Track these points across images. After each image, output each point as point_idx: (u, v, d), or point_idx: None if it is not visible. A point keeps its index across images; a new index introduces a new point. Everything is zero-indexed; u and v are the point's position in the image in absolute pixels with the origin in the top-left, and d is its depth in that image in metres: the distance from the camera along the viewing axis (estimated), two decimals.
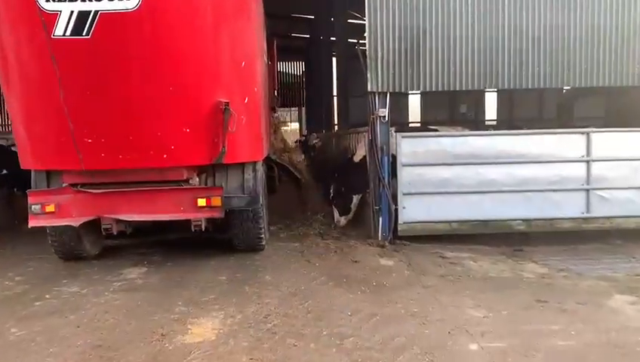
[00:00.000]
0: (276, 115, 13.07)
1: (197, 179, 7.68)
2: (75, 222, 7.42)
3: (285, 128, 45.34)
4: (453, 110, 35.28)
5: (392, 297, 6.14)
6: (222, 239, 8.61)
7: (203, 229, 7.64)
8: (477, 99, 32.45)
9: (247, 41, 7.43)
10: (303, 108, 36.67)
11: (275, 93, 12.80)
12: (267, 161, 10.22)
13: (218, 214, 7.41)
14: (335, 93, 20.45)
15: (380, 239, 8.63)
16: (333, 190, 9.74)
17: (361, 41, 8.68)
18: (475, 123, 30.62)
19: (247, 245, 8.26)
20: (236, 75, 7.31)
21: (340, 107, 16.41)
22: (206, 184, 7.84)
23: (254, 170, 7.69)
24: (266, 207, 9.37)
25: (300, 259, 7.78)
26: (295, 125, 44.83)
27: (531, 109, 34.19)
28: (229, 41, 7.12)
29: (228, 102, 6.83)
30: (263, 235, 8.28)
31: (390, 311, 5.71)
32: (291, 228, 9.83)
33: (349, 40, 20.76)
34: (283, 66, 36.08)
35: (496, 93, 35.14)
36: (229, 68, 7.15)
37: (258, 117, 7.94)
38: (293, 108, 42.38)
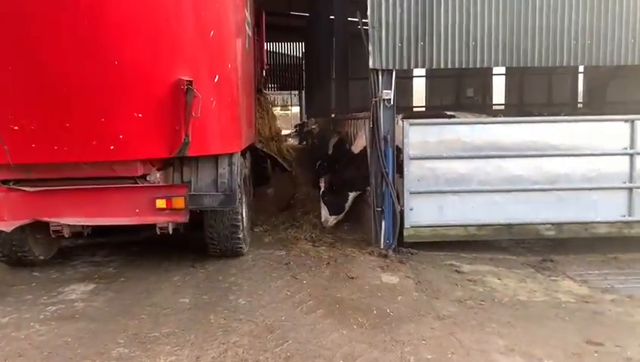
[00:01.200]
0: (265, 97, 11.47)
1: (157, 174, 6.20)
2: (7, 226, 5.97)
3: (286, 112, 44.00)
4: (460, 94, 33.66)
5: (398, 334, 4.67)
6: (197, 241, 7.20)
7: (170, 232, 6.24)
8: (484, 82, 30.81)
9: (218, 4, 5.89)
10: (304, 92, 35.03)
11: (264, 73, 11.27)
12: (253, 150, 8.73)
13: (181, 218, 6.00)
14: (334, 75, 18.81)
15: (382, 247, 7.15)
16: (324, 184, 8.19)
17: (363, 19, 7.08)
18: (483, 108, 29.03)
19: (224, 250, 6.90)
20: (202, 47, 5.86)
21: (338, 91, 14.85)
22: (172, 180, 6.40)
23: (230, 164, 6.35)
24: (248, 204, 7.91)
25: (284, 274, 6.30)
26: (296, 109, 43.31)
27: (541, 94, 32.59)
28: (193, 4, 5.59)
29: (191, 81, 5.44)
30: (242, 239, 6.89)
31: (395, 359, 4.24)
32: (278, 230, 8.33)
33: (349, 18, 19.16)
34: (282, 47, 34.43)
35: (504, 77, 33.49)
36: (192, 38, 5.70)
37: (234, 99, 6.44)
38: (294, 92, 40.84)
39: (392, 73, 7.05)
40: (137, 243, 7.82)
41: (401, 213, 7.16)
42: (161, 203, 5.90)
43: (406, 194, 7.20)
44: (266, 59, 11.96)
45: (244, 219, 7.48)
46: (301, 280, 6.06)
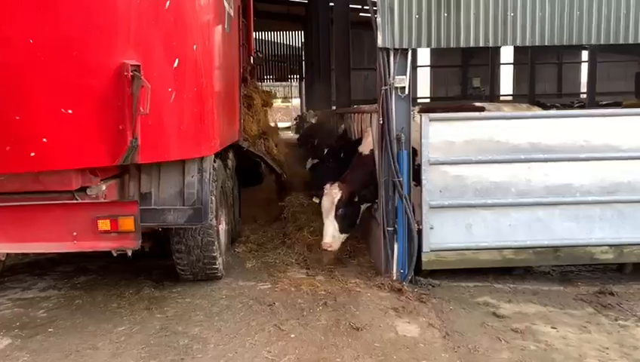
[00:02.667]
0: (255, 87, 9.73)
1: (103, 187, 4.66)
2: None
3: (287, 104, 42.28)
4: (466, 85, 31.89)
5: None
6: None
7: (129, 255, 4.73)
8: (491, 73, 29.02)
9: None
10: (304, 83, 33.27)
11: (251, 60, 9.52)
12: (239, 150, 7.05)
13: (130, 243, 4.52)
14: (334, 65, 17.08)
15: (394, 277, 5.47)
16: (340, 192, 6.40)
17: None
18: (490, 98, 27.28)
19: (196, 274, 5.55)
20: (155, 21, 4.48)
21: (339, 82, 13.16)
22: (127, 193, 4.95)
23: (200, 170, 4.97)
24: (230, 216, 6.34)
25: (266, 322, 4.62)
26: (297, 101, 41.54)
27: (550, 84, 30.81)
28: None
29: (138, 66, 4.17)
30: (218, 262, 5.49)
31: None
32: (265, 250, 6.66)
33: (351, 5, 17.38)
34: (281, 37, 32.62)
35: (512, 67, 31.67)
36: (139, 9, 4.34)
37: (203, 91, 4.89)
38: (294, 83, 39.06)
39: (406, 54, 5.34)
40: (89, 270, 6.16)
41: (419, 232, 5.48)
42: (104, 224, 4.44)
43: (425, 209, 5.51)
44: (254, 46, 10.23)
45: (222, 237, 5.91)
46: (288, 333, 4.39)
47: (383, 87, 5.33)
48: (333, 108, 15.27)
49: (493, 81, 28.53)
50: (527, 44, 5.54)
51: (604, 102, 19.98)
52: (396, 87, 5.34)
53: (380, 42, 5.24)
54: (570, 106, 21.50)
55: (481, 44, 5.49)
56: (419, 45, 5.32)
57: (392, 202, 5.48)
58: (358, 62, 24.90)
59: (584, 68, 31.46)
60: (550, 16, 5.32)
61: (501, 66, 30.65)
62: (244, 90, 7.98)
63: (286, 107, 43.56)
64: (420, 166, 5.55)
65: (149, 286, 5.58)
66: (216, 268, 5.50)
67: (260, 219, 8.29)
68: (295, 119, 29.50)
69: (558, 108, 15.23)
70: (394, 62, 5.31)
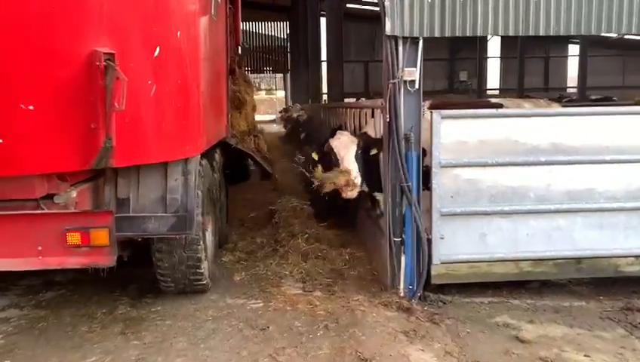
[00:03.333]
0: (244, 79, 9.04)
1: (73, 194, 4.09)
2: None
3: (271, 96, 41.42)
4: (453, 78, 31.36)
5: None
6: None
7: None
8: (478, 66, 28.58)
9: None
10: (289, 75, 32.51)
11: (238, 50, 8.84)
12: (225, 147, 6.41)
13: (105, 259, 3.95)
14: (325, 58, 16.38)
15: (401, 294, 4.87)
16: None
17: None
18: (478, 92, 26.85)
19: (180, 288, 4.96)
20: (132, 4, 3.95)
21: (331, 74, 12.51)
22: (103, 200, 4.32)
23: (185, 173, 4.40)
24: (216, 223, 5.69)
25: (259, 351, 3.97)
26: (282, 93, 40.75)
27: (537, 78, 30.42)
28: None
29: (112, 55, 3.66)
30: (203, 273, 4.88)
31: None
32: (255, 259, 6.00)
33: None
34: (264, 27, 31.75)
35: (499, 60, 31.25)
36: None
37: (188, 83, 4.37)
38: (278, 75, 38.25)
39: (417, 43, 4.70)
40: (58, 284, 5.46)
41: (429, 243, 4.88)
42: (73, 237, 3.88)
43: (435, 217, 4.90)
44: (241, 36, 9.52)
45: (210, 246, 5.27)
46: None
47: (391, 81, 4.69)
48: (323, 101, 14.62)
49: (480, 74, 28.09)
50: (552, 34, 4.95)
51: (593, 97, 19.54)
52: (405, 81, 4.71)
53: (388, 30, 4.60)
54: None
55: (501, 33, 4.90)
56: (431, 33, 4.68)
57: (399, 209, 4.86)
58: (346, 55, 24.24)
59: (571, 62, 31.26)
60: (577, 2, 4.73)
61: (488, 60, 30.24)
62: (231, 82, 7.30)
63: (270, 99, 42.76)
64: (429, 169, 4.94)
65: (124, 303, 4.91)
66: (203, 281, 4.92)
67: (248, 222, 7.63)
68: (280, 112, 28.79)
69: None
70: (403, 53, 4.67)
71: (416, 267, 4.87)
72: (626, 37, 28.34)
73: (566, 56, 30.86)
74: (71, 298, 5.11)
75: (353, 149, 5.29)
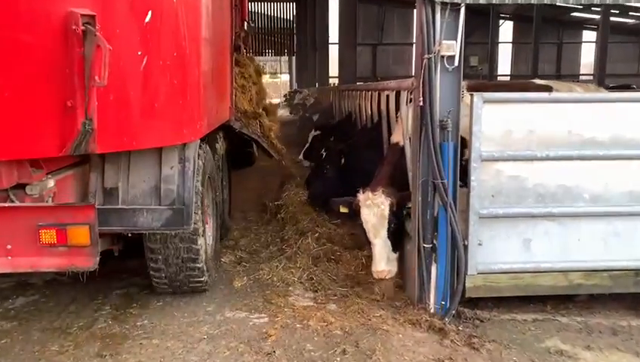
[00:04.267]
0: (249, 59, 8.22)
1: (50, 183, 3.50)
2: None
3: (275, 80, 40.56)
4: (462, 63, 30.15)
5: None
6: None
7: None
8: (490, 51, 27.56)
9: None
10: (294, 58, 31.55)
11: (245, 26, 8.03)
12: (229, 130, 5.79)
13: (85, 261, 3.36)
14: (337, 40, 15.49)
15: (431, 310, 4.10)
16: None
17: None
18: (489, 78, 25.89)
19: (176, 288, 4.43)
20: None
21: (343, 56, 11.66)
22: (87, 189, 3.80)
23: (182, 160, 3.88)
24: (216, 216, 4.99)
25: None
26: (286, 77, 39.78)
27: (550, 65, 29.43)
28: None
29: (92, 17, 3.06)
30: (202, 272, 4.32)
31: None
32: (258, 261, 5.22)
33: None
34: (270, 8, 30.66)
35: (511, 46, 30.23)
36: None
37: (183, 56, 3.70)
38: (283, 58, 37.24)
39: (459, 10, 3.87)
40: (31, 287, 4.71)
41: (465, 250, 4.09)
42: (48, 235, 3.31)
43: (472, 219, 4.11)
44: (247, 11, 8.69)
45: (210, 242, 4.77)
46: None
47: (425, 56, 3.87)
48: (332, 85, 13.76)
49: (491, 59, 27.11)
50: (608, 2, 4.13)
51: (612, 85, 18.59)
52: (443, 56, 3.89)
53: None
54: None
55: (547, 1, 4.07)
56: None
57: (431, 210, 4.07)
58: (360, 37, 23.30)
59: (585, 48, 30.24)
60: None
61: (499, 45, 29.22)
62: (236, 59, 6.52)
63: (275, 83, 41.84)
64: (466, 162, 4.15)
65: (106, 315, 4.17)
66: (201, 279, 4.35)
67: (251, 215, 6.86)
68: (285, 96, 27.96)
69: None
70: (441, 22, 3.85)
71: (449, 279, 4.09)
72: None
73: (580, 43, 29.82)
74: (44, 306, 4.36)
75: (384, 228, 4.42)
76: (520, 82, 6.70)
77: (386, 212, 4.41)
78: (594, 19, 27.68)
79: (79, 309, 4.27)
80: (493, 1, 3.95)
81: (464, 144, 4.19)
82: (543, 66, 28.40)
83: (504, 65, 29.73)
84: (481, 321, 4.10)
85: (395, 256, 4.56)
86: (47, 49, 3.00)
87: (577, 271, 4.28)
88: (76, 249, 3.31)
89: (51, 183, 3.47)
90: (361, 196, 4.56)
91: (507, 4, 3.81)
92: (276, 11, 30.94)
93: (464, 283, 4.09)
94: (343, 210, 4.68)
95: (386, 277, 4.46)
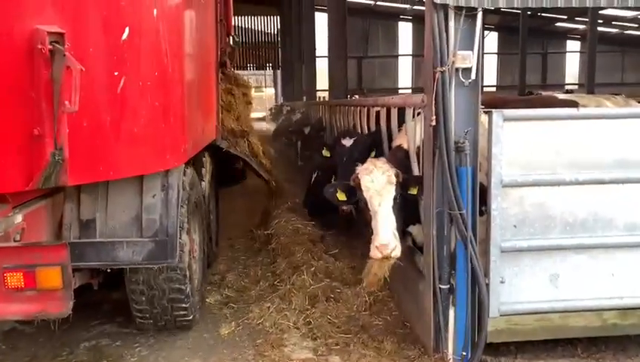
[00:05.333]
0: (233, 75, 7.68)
1: (18, 218, 3.13)
2: None
3: (260, 94, 40.08)
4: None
5: None
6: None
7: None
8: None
9: None
10: (279, 72, 31.08)
11: (230, 41, 7.56)
12: (216, 149, 5.57)
13: (57, 306, 3.02)
14: (325, 53, 15.03)
15: (451, 360, 3.52)
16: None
17: None
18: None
19: (159, 324, 4.03)
20: None
21: (333, 69, 11.22)
22: (60, 223, 3.52)
23: (165, 188, 3.60)
24: (202, 244, 4.65)
25: None
26: (271, 90, 39.31)
27: (535, 75, 29.27)
28: None
29: (61, 35, 2.74)
30: (188, 308, 3.95)
31: None
32: (247, 302, 4.60)
33: None
34: (253, 22, 30.21)
35: (496, 57, 30.06)
36: None
37: (165, 75, 3.44)
38: (267, 72, 36.78)
39: (475, 16, 3.35)
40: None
41: (486, 288, 3.53)
42: (15, 278, 2.98)
43: (493, 253, 3.56)
44: (231, 25, 8.22)
45: (196, 274, 4.37)
46: None
47: (438, 69, 3.33)
48: (318, 99, 13.26)
49: (478, 72, 26.86)
50: (630, 5, 3.66)
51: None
52: (457, 69, 3.36)
53: None
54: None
55: (575, 4, 3.57)
56: (495, 3, 3.34)
57: (447, 246, 3.51)
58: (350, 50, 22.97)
59: (570, 58, 30.18)
60: None
61: (485, 56, 29.05)
62: (222, 76, 6.05)
63: (259, 97, 41.35)
64: (483, 188, 3.60)
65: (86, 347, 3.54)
66: (188, 316, 4.01)
67: (239, 244, 6.26)
68: (270, 110, 27.47)
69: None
70: (456, 30, 3.33)
71: (470, 324, 3.52)
72: (626, 32, 27.34)
73: (564, 52, 29.75)
74: (7, 356, 3.71)
75: (390, 196, 3.72)
76: (542, 97, 6.22)
77: (393, 179, 3.76)
78: (577, 29, 27.64)
79: None
80: (515, 4, 3.43)
81: (480, 168, 3.66)
82: (529, 77, 28.27)
83: (489, 77, 29.51)
84: None
85: (399, 249, 3.70)
86: (9, 71, 2.70)
87: (612, 309, 3.75)
88: (47, 293, 2.98)
89: (19, 218, 3.10)
90: (361, 167, 3.92)
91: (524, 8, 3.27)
92: (260, 25, 30.50)
93: (480, 321, 3.54)
94: (341, 196, 4.00)
95: (391, 255, 3.61)
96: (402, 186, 3.81)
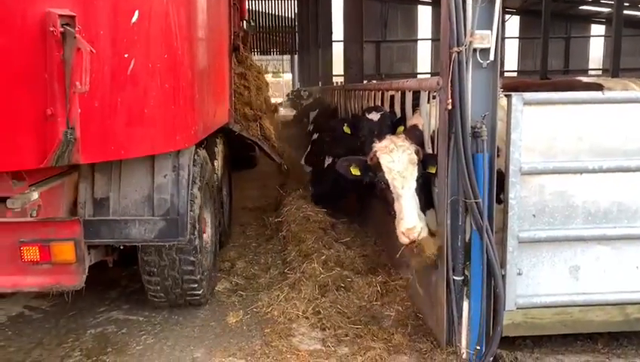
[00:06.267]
0: (247, 59, 7.58)
1: (34, 195, 3.23)
2: None
3: (278, 79, 39.88)
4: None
5: None
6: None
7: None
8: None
9: None
10: (296, 57, 30.84)
11: (244, 25, 7.55)
12: (228, 132, 5.67)
13: (71, 279, 3.25)
14: (341, 38, 14.81)
15: (464, 353, 3.39)
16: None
17: None
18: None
19: (172, 301, 4.17)
20: None
21: (349, 54, 10.99)
22: (75, 201, 3.60)
23: (176, 168, 3.68)
24: (215, 224, 4.68)
25: None
26: (288, 76, 39.09)
27: (557, 60, 28.60)
28: None
29: (72, 18, 2.78)
30: (199, 285, 4.05)
31: None
32: (256, 290, 4.52)
33: None
34: (270, 6, 29.93)
35: (517, 41, 29.42)
36: None
37: (175, 58, 3.47)
38: (285, 57, 36.58)
39: None
40: None
41: (502, 280, 3.37)
42: (30, 252, 3.20)
43: (511, 244, 3.40)
44: (246, 9, 8.17)
45: (208, 252, 4.42)
46: None
47: (455, 49, 3.14)
48: (335, 83, 13.06)
49: (496, 54, 26.31)
50: None
51: None
52: (475, 49, 3.18)
53: None
54: None
55: None
56: None
57: (462, 236, 3.36)
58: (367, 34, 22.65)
59: (593, 43, 29.42)
60: None
61: (506, 40, 28.41)
62: (235, 60, 6.02)
63: (277, 82, 41.20)
64: (501, 176, 3.43)
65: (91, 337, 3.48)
66: (198, 294, 4.10)
67: (250, 230, 6.17)
68: (288, 95, 27.34)
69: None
70: (473, 8, 3.14)
71: (485, 318, 3.37)
72: None
73: (588, 37, 28.99)
74: (2, 352, 3.65)
75: (413, 177, 3.51)
76: (566, 80, 5.96)
77: (414, 157, 3.56)
78: (602, 12, 26.87)
79: (44, 356, 3.57)
80: None
81: (498, 154, 3.48)
82: (551, 62, 27.64)
83: (511, 62, 28.92)
84: None
85: (424, 218, 3.63)
86: (23, 53, 2.76)
87: (635, 303, 3.57)
88: (61, 266, 3.19)
89: (35, 196, 3.21)
90: (379, 144, 3.70)
91: None
92: (277, 9, 30.23)
93: (495, 314, 3.39)
94: (355, 170, 3.83)
95: (418, 238, 3.47)
96: (422, 164, 3.65)
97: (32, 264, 3.18)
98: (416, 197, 3.54)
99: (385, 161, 3.58)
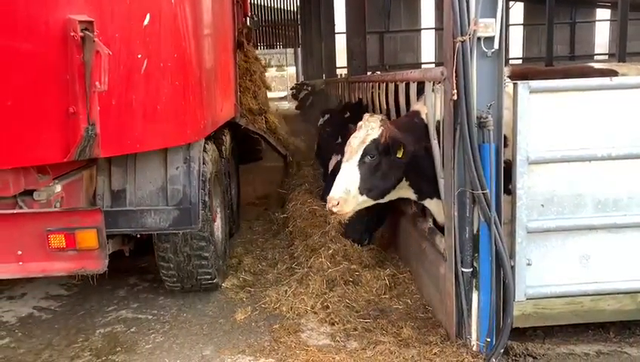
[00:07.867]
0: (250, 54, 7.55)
1: (57, 188, 3.49)
2: None
3: (282, 73, 39.70)
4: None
5: None
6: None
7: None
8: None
9: None
10: (299, 50, 30.68)
11: (247, 21, 7.60)
12: (234, 127, 5.83)
13: (94, 263, 3.41)
14: (344, 30, 14.75)
15: (474, 346, 3.36)
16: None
17: None
18: None
19: (186, 286, 4.42)
20: None
21: (351, 45, 10.91)
22: (94, 193, 3.86)
23: (187, 160, 3.91)
24: (224, 214, 4.91)
25: None
26: (292, 69, 38.92)
27: (563, 46, 28.30)
28: None
29: (90, 23, 3.01)
30: (212, 270, 4.30)
31: None
32: (264, 286, 4.50)
33: None
34: (273, 0, 29.78)
35: (522, 28, 29.13)
36: None
37: (184, 57, 3.71)
38: (289, 50, 36.42)
39: None
40: (8, 327, 4.03)
41: (511, 271, 3.34)
42: (57, 240, 3.35)
43: (519, 234, 3.36)
44: (249, 6, 8.23)
45: (219, 239, 4.66)
46: None
47: (459, 38, 3.09)
48: (339, 75, 12.98)
49: (501, 42, 26.08)
50: None
51: None
52: (479, 38, 3.12)
53: None
54: None
55: None
56: None
57: (470, 228, 3.31)
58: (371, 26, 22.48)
59: (599, 27, 29.08)
60: None
61: (510, 27, 28.13)
62: (239, 56, 6.16)
63: (281, 76, 41.05)
64: (509, 165, 3.38)
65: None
66: (211, 278, 4.35)
67: (257, 225, 6.16)
68: (292, 89, 27.23)
69: None
70: None
71: (494, 311, 3.34)
72: None
73: (594, 22, 28.66)
74: (13, 353, 3.66)
75: (357, 154, 3.70)
76: (578, 67, 5.88)
77: (370, 137, 3.72)
78: None
79: (54, 357, 3.57)
80: None
81: (505, 143, 3.43)
82: (556, 48, 27.36)
83: (516, 48, 28.65)
84: (535, 358, 3.37)
85: (358, 197, 3.73)
86: (47, 56, 2.97)
87: None
88: (85, 252, 3.35)
89: (58, 188, 3.47)
90: (364, 117, 3.96)
91: None
92: (280, 3, 30.09)
93: (504, 306, 3.35)
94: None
95: (336, 212, 3.70)
96: (388, 149, 3.70)
97: (58, 250, 3.34)
98: (357, 172, 3.70)
99: (352, 134, 3.85)
